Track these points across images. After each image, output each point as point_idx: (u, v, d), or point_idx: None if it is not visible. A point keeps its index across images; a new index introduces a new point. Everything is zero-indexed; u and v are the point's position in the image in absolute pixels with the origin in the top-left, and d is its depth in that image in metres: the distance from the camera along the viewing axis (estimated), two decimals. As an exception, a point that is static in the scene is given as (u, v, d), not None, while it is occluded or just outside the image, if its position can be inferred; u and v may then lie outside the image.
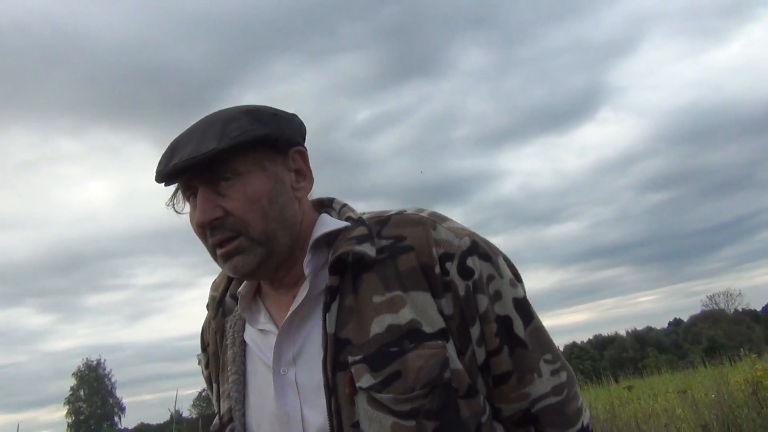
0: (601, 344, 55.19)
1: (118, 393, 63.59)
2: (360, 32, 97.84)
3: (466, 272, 0.94)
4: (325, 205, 1.09)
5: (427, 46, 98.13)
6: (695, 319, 57.88)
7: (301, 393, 0.96)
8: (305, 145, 1.05)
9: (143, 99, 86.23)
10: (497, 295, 0.96)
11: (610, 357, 47.06)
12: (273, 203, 0.96)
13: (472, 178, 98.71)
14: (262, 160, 0.97)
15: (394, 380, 0.89)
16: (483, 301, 0.95)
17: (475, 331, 0.95)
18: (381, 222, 1.00)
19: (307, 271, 0.97)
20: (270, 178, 0.97)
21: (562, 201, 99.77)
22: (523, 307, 0.99)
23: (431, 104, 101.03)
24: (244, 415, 1.02)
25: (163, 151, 0.98)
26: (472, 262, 0.95)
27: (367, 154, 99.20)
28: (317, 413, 0.94)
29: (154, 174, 0.97)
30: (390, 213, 1.02)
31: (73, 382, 63.24)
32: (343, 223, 1.01)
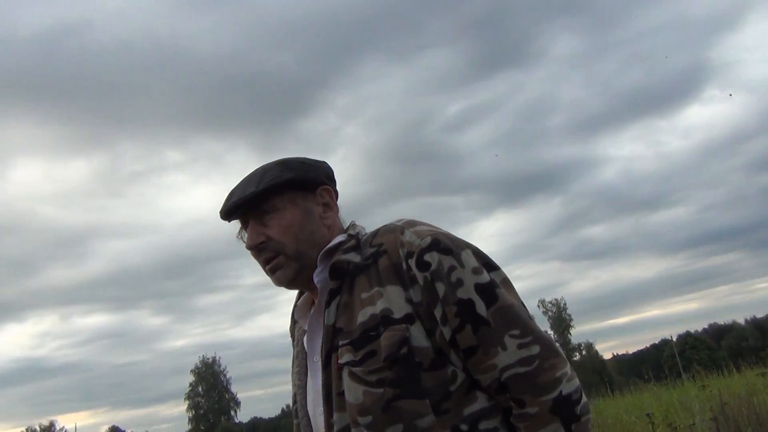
0: (718, 333, 55.66)
1: (233, 388, 65.94)
2: (447, 26, 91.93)
3: (423, 265, 1.17)
4: (348, 228, 1.36)
5: (516, 36, 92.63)
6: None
7: (323, 375, 1.23)
8: (334, 184, 1.38)
9: (240, 107, 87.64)
10: (459, 282, 1.15)
11: (728, 346, 48.95)
12: (303, 229, 1.29)
13: (570, 167, 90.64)
14: (294, 197, 1.30)
15: (369, 357, 1.14)
16: (441, 288, 1.15)
17: (438, 313, 1.15)
18: (374, 233, 1.29)
19: (316, 280, 1.27)
20: (301, 211, 1.30)
21: (667, 185, 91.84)
22: (487, 290, 1.16)
23: (523, 94, 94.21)
24: (304, 398, 1.34)
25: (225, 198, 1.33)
26: (430, 256, 1.17)
27: (460, 147, 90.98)
28: None
29: (219, 214, 1.33)
30: (383, 225, 1.30)
31: (191, 378, 65.43)
32: (339, 239, 1.30)
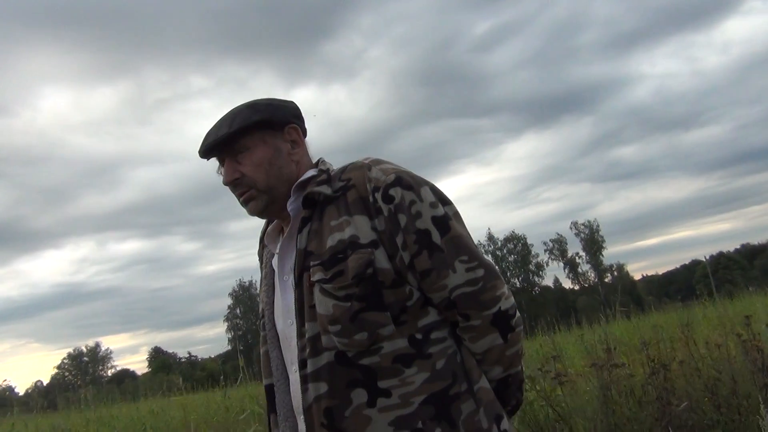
0: (751, 253, 55.47)
1: (270, 310, 67.96)
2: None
3: (388, 199, 1.33)
4: (316, 165, 1.51)
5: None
6: None
7: (296, 291, 1.39)
8: (301, 122, 1.51)
9: (264, 30, 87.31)
10: (417, 214, 1.33)
11: (762, 266, 48.89)
12: (272, 165, 1.43)
13: (602, 86, 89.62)
14: (263, 137, 1.44)
15: (338, 276, 1.30)
16: (402, 219, 1.32)
17: (399, 240, 1.32)
18: (342, 169, 1.43)
19: (290, 208, 1.43)
20: (270, 148, 1.44)
21: (702, 103, 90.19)
22: (441, 221, 1.34)
23: (553, 10, 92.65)
24: (272, 312, 1.51)
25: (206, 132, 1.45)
26: (394, 191, 1.33)
27: (489, 67, 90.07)
28: None
29: (198, 154, 1.46)
30: (348, 164, 1.44)
31: (229, 301, 67.57)
32: (312, 173, 1.45)
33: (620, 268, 63.42)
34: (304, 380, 1.33)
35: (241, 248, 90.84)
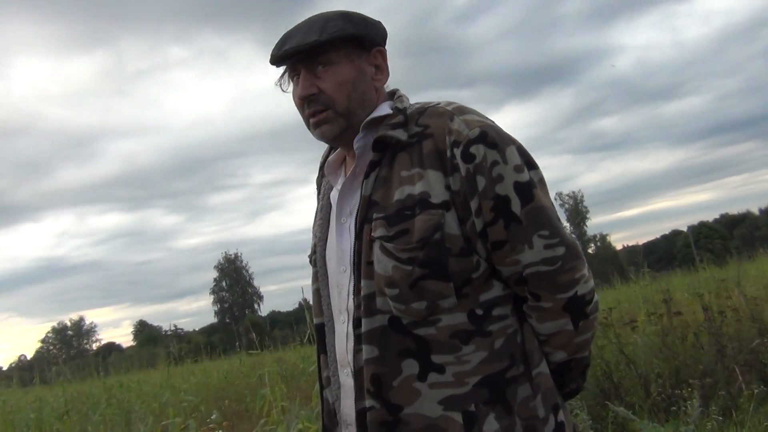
0: (731, 223, 55.46)
1: (256, 283, 68.30)
2: None
3: (468, 157, 1.18)
4: (393, 95, 1.36)
5: None
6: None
7: (352, 237, 1.28)
8: (386, 47, 1.34)
9: (244, 0, 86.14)
10: (499, 178, 1.18)
11: (741, 236, 48.12)
12: (356, 88, 1.27)
13: (584, 56, 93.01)
14: (350, 54, 1.28)
15: (401, 235, 1.18)
16: (481, 182, 1.17)
17: (474, 205, 1.18)
18: (420, 111, 1.27)
19: (356, 146, 1.28)
20: (355, 69, 1.28)
21: (683, 74, 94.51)
22: (524, 189, 1.19)
23: None
24: (324, 249, 1.38)
25: (276, 42, 1.29)
26: (476, 149, 1.18)
27: (470, 38, 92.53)
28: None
29: (269, 57, 1.29)
30: (430, 105, 1.29)
31: (215, 274, 67.61)
32: (388, 111, 1.29)
33: (603, 238, 64.14)
34: (358, 340, 1.23)
35: (224, 221, 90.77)
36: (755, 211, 59.63)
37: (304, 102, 1.29)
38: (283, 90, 1.34)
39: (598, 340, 4.06)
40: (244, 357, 7.48)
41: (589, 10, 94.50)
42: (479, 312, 1.20)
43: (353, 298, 1.25)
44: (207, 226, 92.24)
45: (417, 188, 1.19)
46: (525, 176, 1.20)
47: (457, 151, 1.19)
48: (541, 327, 1.25)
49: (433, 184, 1.19)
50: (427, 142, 1.22)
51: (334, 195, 1.38)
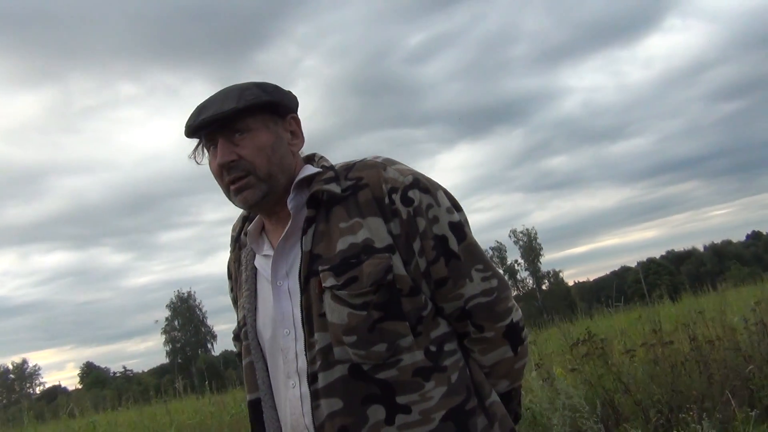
0: (677, 259, 57.25)
1: (210, 322, 66.82)
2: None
3: (407, 201, 1.24)
4: (310, 159, 1.40)
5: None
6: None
7: (293, 298, 1.28)
8: (298, 114, 1.37)
9: (196, 37, 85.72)
10: (435, 219, 1.26)
11: (688, 272, 50.55)
12: (275, 152, 1.29)
13: (532, 98, 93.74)
14: (267, 120, 1.30)
15: (351, 282, 1.20)
16: (421, 223, 1.24)
17: (416, 246, 1.24)
18: (348, 168, 1.31)
19: (290, 206, 1.30)
20: (272, 134, 1.30)
21: (627, 116, 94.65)
22: (458, 228, 1.28)
23: (485, 23, 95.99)
24: (255, 319, 1.36)
25: (191, 113, 1.29)
26: (413, 193, 1.25)
27: (422, 79, 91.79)
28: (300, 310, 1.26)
29: (184, 129, 1.29)
30: (355, 161, 1.33)
31: (167, 313, 65.89)
32: (317, 170, 1.32)
33: (556, 275, 65.16)
34: (315, 396, 1.22)
35: (174, 260, 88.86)
36: (700, 247, 62.35)
37: (223, 170, 1.29)
38: (197, 162, 1.35)
39: (597, 369, 4.30)
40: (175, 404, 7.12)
41: (536, 53, 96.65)
42: (433, 348, 1.25)
43: (306, 354, 1.24)
44: (156, 265, 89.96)
45: (359, 236, 1.23)
46: (456, 217, 1.29)
47: (396, 197, 1.25)
48: (485, 358, 1.32)
49: (374, 231, 1.23)
50: (363, 192, 1.26)
51: (261, 262, 1.38)
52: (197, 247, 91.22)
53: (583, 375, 4.35)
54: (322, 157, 1.40)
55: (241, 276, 1.43)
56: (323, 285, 1.22)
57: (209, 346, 66.06)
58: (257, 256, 1.39)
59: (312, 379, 1.23)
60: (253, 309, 1.37)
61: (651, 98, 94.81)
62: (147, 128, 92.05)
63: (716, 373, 4.09)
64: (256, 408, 1.36)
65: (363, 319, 1.20)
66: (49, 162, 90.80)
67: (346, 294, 1.20)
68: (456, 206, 1.32)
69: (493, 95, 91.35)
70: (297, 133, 1.36)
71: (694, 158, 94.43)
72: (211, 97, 1.31)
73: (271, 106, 1.31)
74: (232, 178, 1.29)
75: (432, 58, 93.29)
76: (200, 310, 66.93)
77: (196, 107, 1.30)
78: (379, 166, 1.29)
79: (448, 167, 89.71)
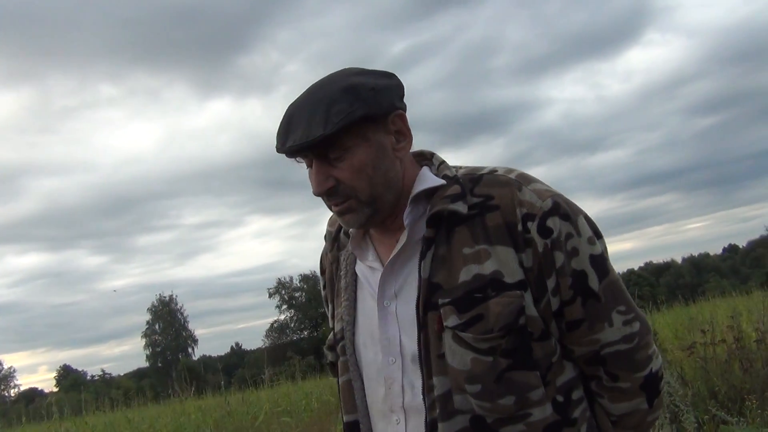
0: (656, 271, 56.77)
1: (191, 326, 66.47)
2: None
3: (545, 231, 1.06)
4: (425, 158, 1.22)
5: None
6: (755, 244, 58.26)
7: (400, 323, 1.13)
8: (404, 105, 1.16)
9: (178, 40, 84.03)
10: (574, 252, 1.07)
11: (666, 283, 48.93)
12: (377, 169, 1.11)
13: (513, 108, 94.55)
14: (364, 132, 1.09)
15: (476, 322, 1.04)
16: (559, 258, 1.06)
17: (551, 283, 1.06)
18: (474, 180, 1.13)
19: (406, 222, 1.13)
20: (372, 147, 1.10)
21: (606, 128, 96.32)
22: (599, 263, 1.08)
23: (468, 33, 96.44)
24: (353, 334, 1.22)
25: (279, 125, 1.12)
26: (552, 222, 1.06)
27: (405, 87, 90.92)
28: (412, 342, 1.11)
29: (276, 147, 1.12)
30: (482, 172, 1.15)
31: (145, 316, 65.51)
32: (440, 181, 1.14)
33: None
34: None
35: (152, 263, 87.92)
36: (678, 260, 62.50)
37: (323, 197, 1.15)
38: (298, 162, 1.17)
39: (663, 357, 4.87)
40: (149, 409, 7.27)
41: (518, 64, 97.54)
42: (560, 399, 1.10)
43: (425, 398, 1.10)
44: (133, 268, 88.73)
45: (486, 267, 1.07)
46: (597, 248, 1.12)
47: (532, 226, 1.08)
48: (615, 408, 1.17)
49: (504, 262, 1.07)
50: (492, 216, 1.09)
51: (365, 271, 1.23)
52: (176, 250, 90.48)
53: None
54: (442, 163, 1.21)
55: (339, 282, 1.28)
56: (445, 324, 1.08)
57: (190, 350, 65.81)
58: (359, 263, 1.24)
59: (431, 427, 1.09)
60: (352, 322, 1.24)
61: (630, 111, 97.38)
62: (127, 130, 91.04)
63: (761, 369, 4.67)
64: (353, 430, 1.24)
65: (489, 366, 1.06)
66: (26, 162, 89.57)
67: (471, 337, 1.06)
68: (597, 234, 1.14)
69: (475, 105, 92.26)
70: (403, 132, 1.16)
71: (671, 171, 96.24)
72: (298, 106, 1.12)
73: (369, 117, 1.10)
74: (333, 203, 1.14)
75: (415, 67, 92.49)
76: (181, 314, 66.69)
77: (283, 120, 1.13)
78: (513, 185, 1.12)
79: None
